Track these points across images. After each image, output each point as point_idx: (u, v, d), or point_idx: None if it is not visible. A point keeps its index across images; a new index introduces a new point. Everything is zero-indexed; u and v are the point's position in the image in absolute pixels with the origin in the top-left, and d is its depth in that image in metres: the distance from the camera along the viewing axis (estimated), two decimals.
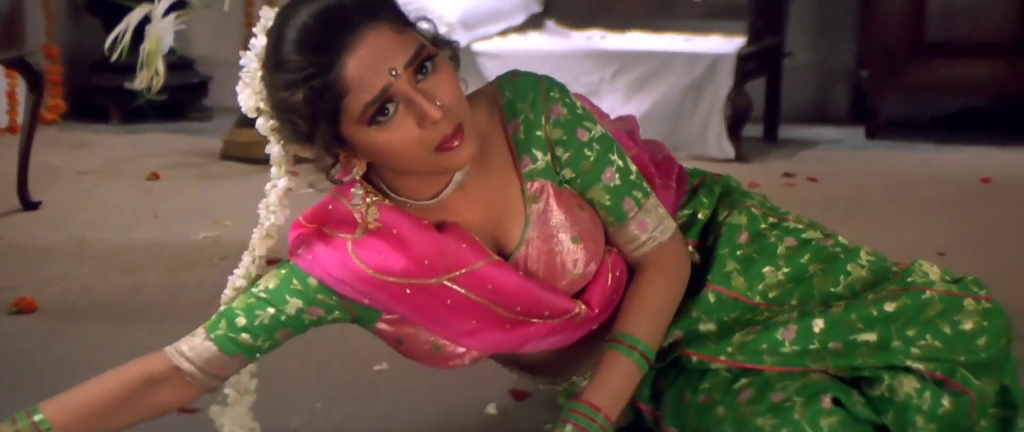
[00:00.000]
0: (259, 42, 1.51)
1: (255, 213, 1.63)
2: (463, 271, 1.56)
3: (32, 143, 3.54)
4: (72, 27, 5.11)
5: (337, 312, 1.59)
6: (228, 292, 1.63)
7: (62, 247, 3.11)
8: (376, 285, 1.55)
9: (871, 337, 1.56)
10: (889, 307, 1.57)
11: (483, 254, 1.57)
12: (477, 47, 4.26)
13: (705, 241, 1.70)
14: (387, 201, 1.57)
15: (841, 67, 5.07)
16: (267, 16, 1.52)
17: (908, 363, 1.54)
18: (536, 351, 1.67)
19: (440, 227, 1.58)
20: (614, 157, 1.62)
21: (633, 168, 1.64)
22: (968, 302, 1.58)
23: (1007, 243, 3.17)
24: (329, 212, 1.58)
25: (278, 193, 1.59)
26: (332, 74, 1.43)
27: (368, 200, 1.56)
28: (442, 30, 1.56)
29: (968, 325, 1.57)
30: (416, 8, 1.53)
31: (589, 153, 1.61)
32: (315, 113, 1.45)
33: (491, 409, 2.06)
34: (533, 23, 4.86)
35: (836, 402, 1.50)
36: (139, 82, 1.60)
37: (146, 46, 1.56)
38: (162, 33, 1.54)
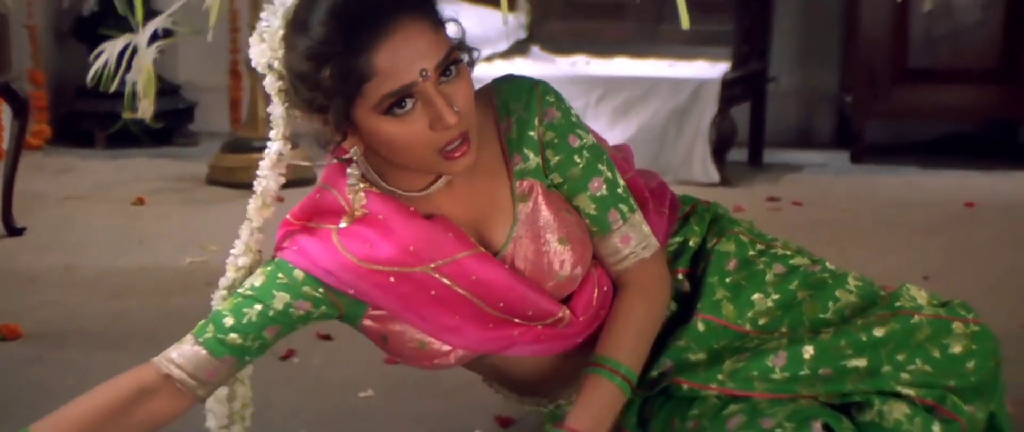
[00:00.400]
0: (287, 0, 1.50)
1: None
2: (448, 260, 1.55)
3: (17, 169, 3.53)
4: (57, 52, 5.10)
5: (324, 307, 1.57)
6: (229, 273, 1.61)
7: (47, 273, 3.09)
8: (361, 274, 1.55)
9: (861, 363, 1.56)
10: (878, 332, 1.57)
11: (469, 245, 1.57)
12: (472, 48, 4.25)
13: (695, 269, 1.70)
14: (375, 189, 1.57)
15: (825, 92, 5.11)
16: None
17: (898, 389, 1.54)
18: (521, 365, 1.66)
19: (427, 218, 1.58)
20: (603, 167, 1.63)
21: (621, 182, 1.65)
22: (956, 325, 1.59)
23: (991, 266, 3.18)
24: (316, 203, 1.58)
25: (272, 157, 1.58)
26: (363, 57, 1.43)
27: (357, 187, 1.56)
28: None
29: (957, 348, 1.57)
30: (450, 11, 1.53)
31: (578, 160, 1.61)
32: (334, 88, 1.45)
33: None
34: (518, 49, 4.88)
35: (827, 428, 1.50)
36: (141, 112, 1.60)
37: (140, 78, 1.56)
38: (149, 61, 1.54)
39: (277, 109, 1.55)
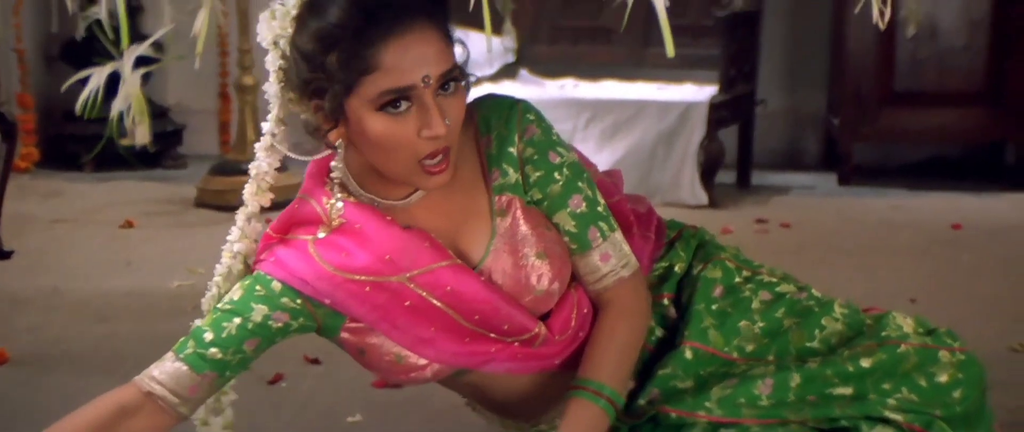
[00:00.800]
0: None
1: None
2: (423, 270, 1.56)
3: (5, 192, 3.51)
4: (46, 76, 5.10)
5: (302, 318, 1.57)
6: (225, 259, 1.61)
7: (35, 297, 3.08)
8: (337, 283, 1.55)
9: (847, 391, 1.56)
10: (865, 363, 1.57)
11: (445, 256, 1.57)
12: (468, 72, 4.26)
13: (681, 294, 1.70)
14: (353, 198, 1.58)
15: (812, 114, 5.13)
16: None
17: (886, 414, 1.55)
18: (502, 385, 1.66)
19: (405, 229, 1.59)
20: (582, 185, 1.64)
21: (602, 201, 1.66)
22: (943, 354, 1.59)
23: (979, 289, 3.20)
24: (294, 213, 1.59)
25: (265, 141, 1.59)
26: (372, 48, 1.45)
27: (335, 197, 1.57)
28: None
29: (943, 377, 1.57)
30: (459, 33, 1.55)
31: (558, 177, 1.62)
32: (336, 73, 1.47)
33: None
34: (507, 72, 4.89)
35: None
36: (138, 139, 1.60)
37: (132, 104, 1.56)
38: (137, 87, 1.54)
39: (272, 88, 1.56)
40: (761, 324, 1.64)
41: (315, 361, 2.53)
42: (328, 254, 1.55)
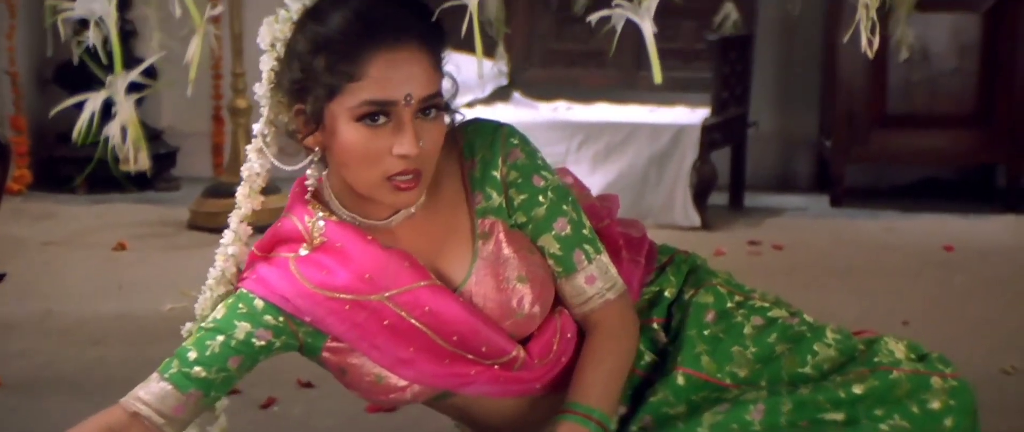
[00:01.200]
0: None
1: None
2: (402, 289, 1.56)
3: None
4: (39, 99, 5.11)
5: (284, 337, 1.58)
6: (218, 262, 1.63)
7: (26, 320, 3.08)
8: (317, 300, 1.56)
9: (839, 417, 1.56)
10: (857, 389, 1.57)
11: (425, 276, 1.58)
12: (454, 108, 4.28)
13: (670, 319, 1.71)
14: (335, 217, 1.60)
15: (804, 137, 5.14)
16: None
17: None
18: (487, 408, 1.66)
19: (386, 249, 1.59)
20: (567, 208, 1.64)
21: (587, 224, 1.66)
22: (935, 380, 1.58)
23: (970, 311, 3.20)
24: (276, 232, 1.61)
25: (256, 142, 1.60)
26: (361, 58, 1.48)
27: (317, 216, 1.59)
28: None
29: (936, 404, 1.57)
30: (451, 66, 1.58)
31: (543, 200, 1.63)
32: (322, 76, 1.49)
33: None
34: (500, 95, 4.90)
35: None
36: (138, 165, 1.61)
37: (129, 130, 1.57)
38: (132, 113, 1.55)
39: (261, 89, 1.58)
40: (753, 350, 1.64)
41: (308, 385, 2.52)
42: (309, 272, 1.56)
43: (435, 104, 1.52)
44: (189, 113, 5.20)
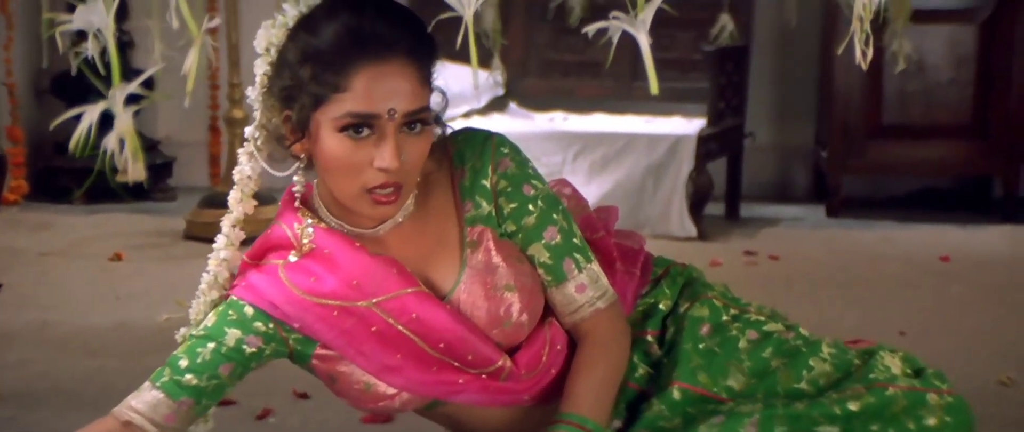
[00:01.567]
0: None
1: None
2: (390, 296, 1.57)
3: None
4: (36, 109, 5.11)
5: (274, 343, 1.59)
6: (211, 266, 1.63)
7: (22, 330, 3.07)
8: (305, 307, 1.57)
9: (834, 431, 1.56)
10: (853, 406, 1.57)
11: (412, 283, 1.59)
12: (444, 123, 4.28)
13: (665, 332, 1.71)
14: (324, 224, 1.60)
15: (801, 147, 5.15)
16: None
17: None
18: (478, 418, 1.66)
19: (373, 255, 1.60)
20: (558, 217, 1.65)
21: (578, 233, 1.66)
22: (931, 397, 1.58)
23: (967, 321, 3.20)
24: (266, 239, 1.62)
25: (248, 145, 1.61)
26: (346, 70, 1.49)
27: (306, 223, 1.60)
28: None
29: (932, 421, 1.56)
30: (441, 82, 1.59)
31: (532, 208, 1.63)
32: (308, 86, 1.51)
33: None
34: (496, 105, 4.91)
35: None
36: (134, 176, 1.62)
37: (127, 141, 1.58)
38: (129, 125, 1.55)
39: (254, 92, 1.59)
40: (748, 364, 1.64)
41: (304, 396, 2.52)
42: (297, 278, 1.58)
43: (420, 119, 1.53)
44: (186, 123, 5.20)
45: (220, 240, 1.64)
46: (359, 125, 1.50)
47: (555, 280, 1.64)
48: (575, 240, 1.65)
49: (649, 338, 1.69)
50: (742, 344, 1.65)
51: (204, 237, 4.12)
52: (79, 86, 4.19)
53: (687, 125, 4.54)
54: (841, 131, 4.66)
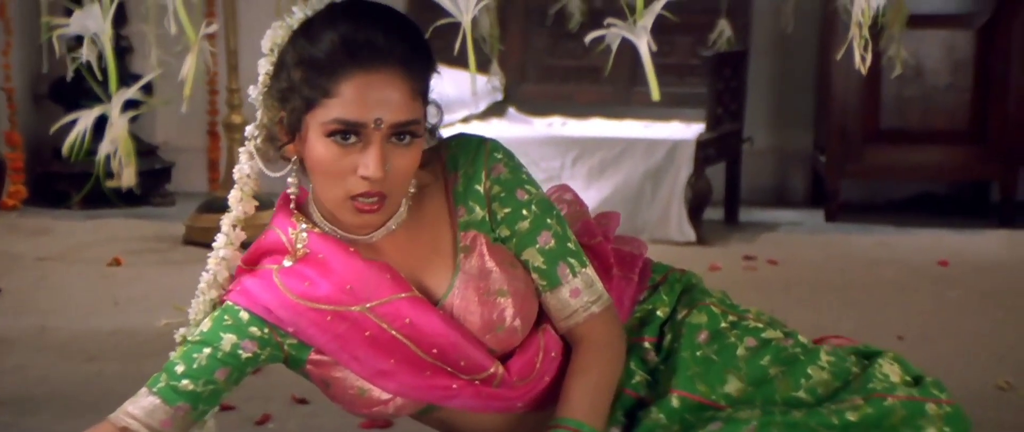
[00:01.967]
0: (319, 4, 1.58)
1: None
2: (383, 301, 1.58)
3: None
4: (34, 115, 5.11)
5: (269, 348, 1.60)
6: (210, 265, 1.64)
7: (20, 335, 3.07)
8: (299, 311, 1.57)
9: None
10: (851, 416, 1.56)
11: (405, 288, 1.59)
12: (438, 134, 4.28)
13: (662, 338, 1.71)
14: (318, 229, 1.61)
15: (799, 152, 5.16)
16: None
17: None
18: (473, 423, 1.66)
19: (367, 261, 1.61)
20: (552, 222, 1.65)
21: (572, 237, 1.67)
22: (930, 406, 1.58)
23: (965, 326, 3.20)
24: (261, 243, 1.63)
25: (249, 145, 1.62)
26: (337, 76, 1.50)
27: (300, 228, 1.60)
28: None
29: (930, 431, 1.57)
30: (437, 93, 1.59)
31: (526, 213, 1.64)
32: (301, 89, 1.52)
33: None
34: (495, 110, 4.91)
35: None
36: (125, 181, 1.62)
37: (120, 147, 1.58)
38: (124, 131, 1.56)
39: (255, 91, 1.60)
40: (746, 372, 1.64)
41: (302, 401, 2.52)
42: (291, 283, 1.58)
43: (410, 131, 1.53)
44: (184, 129, 5.20)
45: (220, 239, 1.65)
46: (346, 132, 1.51)
47: (549, 285, 1.64)
48: (569, 244, 1.65)
49: (646, 344, 1.69)
50: (740, 351, 1.65)
51: (203, 242, 4.11)
52: (78, 91, 4.21)
53: (685, 130, 4.55)
54: (839, 136, 4.66)
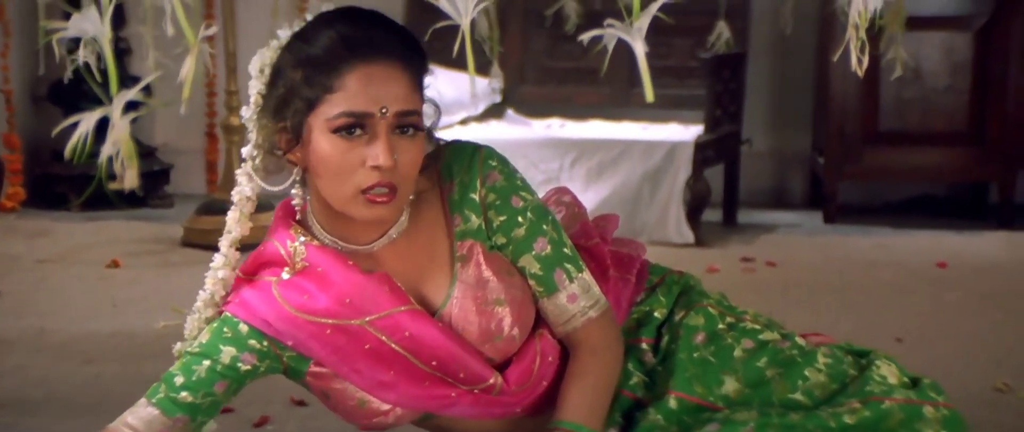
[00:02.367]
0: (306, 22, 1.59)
1: None
2: (382, 314, 1.58)
3: None
4: (33, 116, 5.11)
5: (268, 361, 1.60)
6: (208, 285, 1.63)
7: (19, 337, 3.07)
8: (298, 324, 1.57)
9: None
10: (849, 419, 1.57)
11: (404, 301, 1.59)
12: (438, 136, 4.28)
13: (659, 340, 1.71)
14: (317, 242, 1.60)
15: (797, 154, 5.16)
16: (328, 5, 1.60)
17: None
18: (469, 428, 1.66)
19: (368, 273, 1.60)
20: (547, 228, 1.65)
21: (568, 243, 1.67)
22: (928, 410, 1.58)
23: (964, 327, 3.20)
24: (260, 254, 1.63)
25: (246, 166, 1.62)
26: (339, 70, 1.50)
27: (299, 241, 1.60)
28: None
29: None
30: (439, 88, 1.60)
31: (522, 220, 1.64)
32: (301, 90, 1.52)
33: None
34: (493, 112, 4.91)
35: None
36: (127, 183, 1.63)
37: (122, 149, 1.59)
38: (126, 132, 1.56)
39: (247, 112, 1.60)
40: (743, 374, 1.64)
41: (301, 403, 2.52)
42: (290, 295, 1.58)
43: (412, 123, 1.54)
44: (183, 131, 5.20)
45: (218, 259, 1.64)
46: (352, 125, 1.51)
47: (546, 291, 1.64)
48: (565, 250, 1.65)
49: (644, 346, 1.70)
50: (737, 353, 1.65)
51: (202, 244, 4.12)
52: (76, 93, 4.20)
53: (684, 132, 4.55)
54: (838, 138, 4.66)
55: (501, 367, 1.63)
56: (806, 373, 1.63)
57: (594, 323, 1.64)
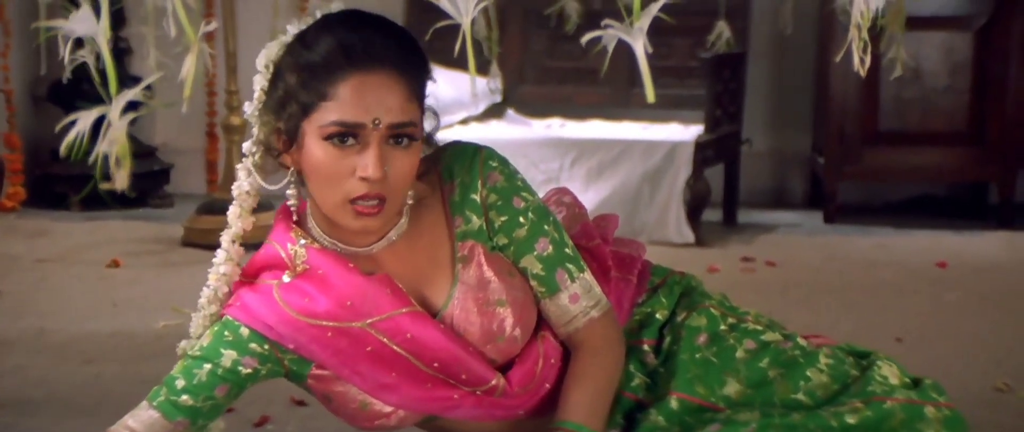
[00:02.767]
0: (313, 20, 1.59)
1: None
2: (383, 316, 1.58)
3: None
4: (33, 117, 5.11)
5: (270, 364, 1.60)
6: (211, 281, 1.63)
7: (19, 337, 3.07)
8: (299, 327, 1.57)
9: None
10: (850, 419, 1.57)
11: (405, 303, 1.59)
12: (438, 136, 4.28)
13: (661, 341, 1.71)
14: (317, 245, 1.60)
15: (797, 154, 5.16)
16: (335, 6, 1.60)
17: None
18: (471, 430, 1.66)
19: (369, 275, 1.60)
20: (549, 228, 1.65)
21: (570, 243, 1.67)
22: (929, 410, 1.58)
23: (964, 327, 3.20)
24: (260, 259, 1.63)
25: (247, 161, 1.61)
26: (334, 78, 1.50)
27: (299, 244, 1.60)
28: None
29: None
30: (436, 95, 1.59)
31: (523, 221, 1.64)
32: (297, 95, 1.52)
33: None
34: (493, 112, 4.91)
35: None
36: (118, 183, 1.63)
37: (114, 149, 1.58)
38: (123, 133, 1.56)
39: (249, 108, 1.60)
40: (745, 374, 1.64)
41: (301, 403, 2.52)
42: (291, 298, 1.58)
43: (407, 133, 1.53)
44: (183, 130, 5.20)
45: (220, 255, 1.64)
46: (344, 134, 1.51)
47: (548, 291, 1.64)
48: (567, 250, 1.65)
49: (645, 347, 1.70)
50: (739, 354, 1.65)
51: (202, 244, 4.12)
52: (76, 93, 4.20)
53: (684, 132, 4.55)
54: (837, 138, 4.66)
55: (503, 369, 1.63)
56: (808, 373, 1.63)
57: (596, 323, 1.64)
